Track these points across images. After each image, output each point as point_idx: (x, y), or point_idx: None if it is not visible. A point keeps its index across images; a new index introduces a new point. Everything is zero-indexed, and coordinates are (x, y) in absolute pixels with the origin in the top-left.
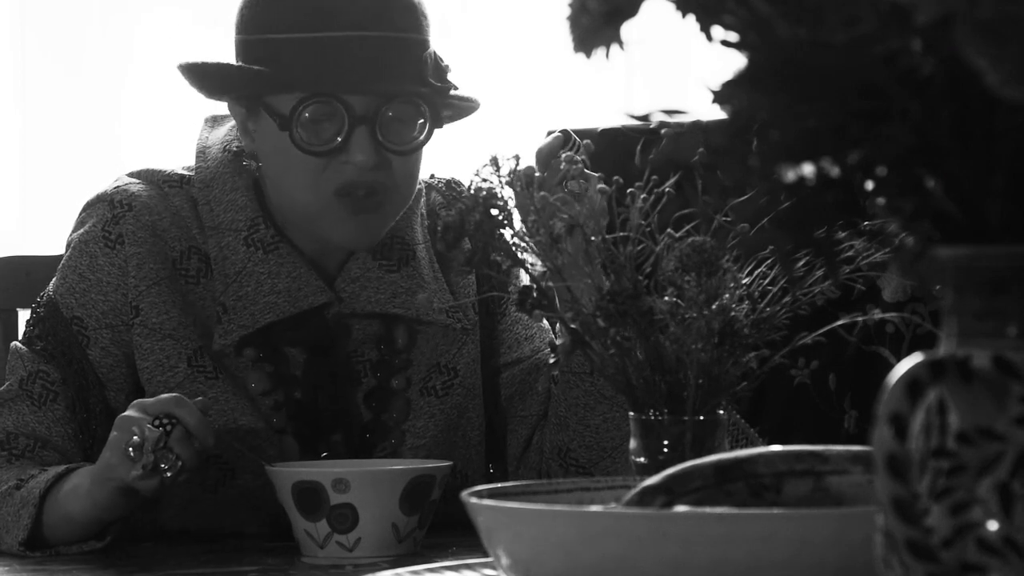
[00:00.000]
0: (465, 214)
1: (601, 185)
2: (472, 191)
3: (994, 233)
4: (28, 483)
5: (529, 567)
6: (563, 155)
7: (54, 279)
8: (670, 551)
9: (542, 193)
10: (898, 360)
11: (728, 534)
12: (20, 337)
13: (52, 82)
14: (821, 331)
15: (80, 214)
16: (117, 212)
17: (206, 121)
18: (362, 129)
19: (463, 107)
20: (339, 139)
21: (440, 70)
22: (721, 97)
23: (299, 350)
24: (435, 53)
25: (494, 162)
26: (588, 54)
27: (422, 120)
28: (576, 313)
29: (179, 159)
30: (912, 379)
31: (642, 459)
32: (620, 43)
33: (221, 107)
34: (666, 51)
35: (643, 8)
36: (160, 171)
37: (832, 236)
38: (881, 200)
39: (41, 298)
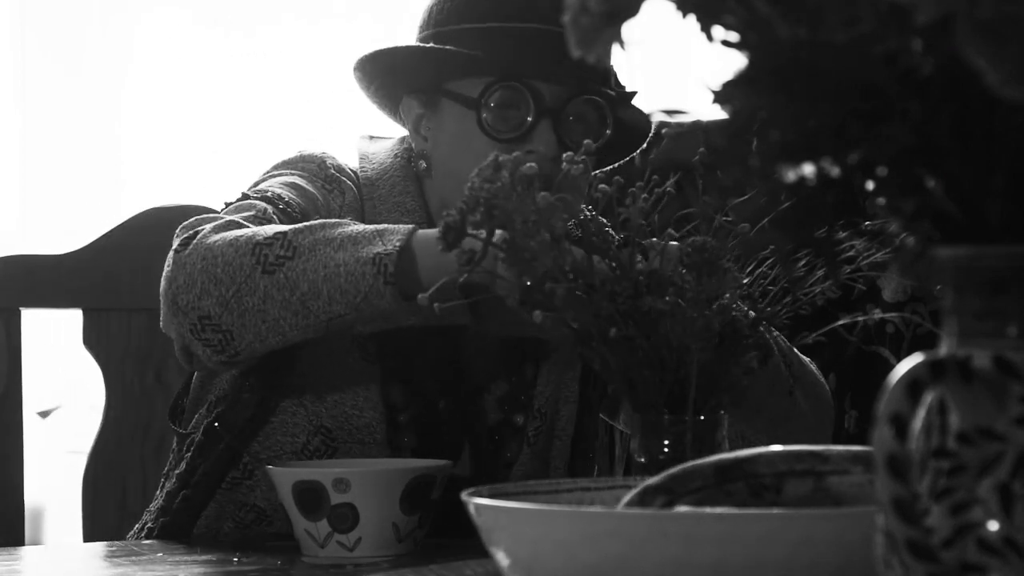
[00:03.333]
0: (465, 214)
1: (602, 185)
2: (472, 191)
3: (994, 233)
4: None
5: (529, 567)
6: (564, 155)
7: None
8: (670, 551)
9: (543, 193)
10: (898, 360)
11: (728, 534)
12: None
13: (52, 82)
14: (821, 331)
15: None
16: (330, 173)
17: (362, 137)
18: (547, 121)
19: (635, 130)
20: (529, 120)
21: (619, 82)
22: (721, 97)
23: (434, 363)
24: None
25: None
26: (588, 54)
27: (597, 126)
28: (533, 273)
29: (179, 158)
30: (912, 379)
31: (642, 459)
32: (620, 43)
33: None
34: (666, 51)
35: (643, 8)
36: (334, 162)
37: (832, 236)
38: (881, 200)
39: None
